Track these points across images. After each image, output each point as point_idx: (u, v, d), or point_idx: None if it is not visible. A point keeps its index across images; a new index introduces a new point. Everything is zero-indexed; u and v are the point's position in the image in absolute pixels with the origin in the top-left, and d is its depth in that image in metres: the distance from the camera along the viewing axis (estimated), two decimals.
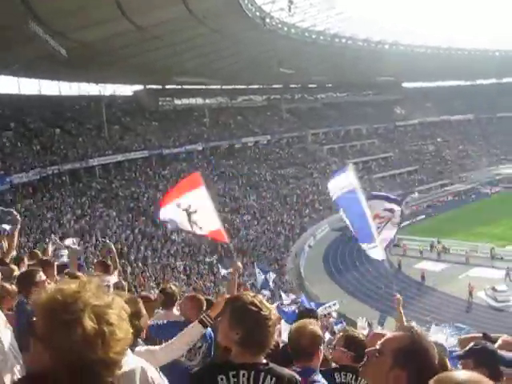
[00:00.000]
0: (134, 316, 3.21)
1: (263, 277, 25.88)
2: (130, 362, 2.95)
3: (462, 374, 1.74)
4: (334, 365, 4.07)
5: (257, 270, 26.98)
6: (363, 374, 2.30)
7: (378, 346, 2.18)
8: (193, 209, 7.25)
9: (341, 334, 4.34)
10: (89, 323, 1.54)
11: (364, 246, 8.40)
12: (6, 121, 46.88)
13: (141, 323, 3.33)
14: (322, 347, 3.35)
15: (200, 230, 7.39)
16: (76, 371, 1.53)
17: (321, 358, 3.36)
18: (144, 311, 3.63)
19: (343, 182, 8.39)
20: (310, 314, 5.25)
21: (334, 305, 24.76)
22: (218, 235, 7.41)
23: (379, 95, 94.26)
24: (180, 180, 8.29)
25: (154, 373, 3.05)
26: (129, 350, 3.06)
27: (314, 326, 3.44)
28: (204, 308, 5.41)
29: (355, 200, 8.04)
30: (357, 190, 8.05)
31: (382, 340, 2.21)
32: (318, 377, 3.22)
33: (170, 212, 7.50)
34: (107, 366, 1.59)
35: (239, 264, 6.87)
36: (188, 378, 2.74)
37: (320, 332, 3.39)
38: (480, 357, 3.03)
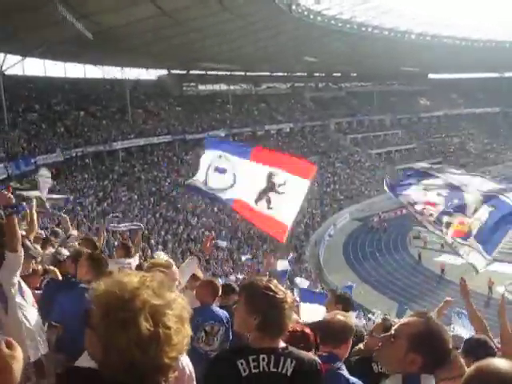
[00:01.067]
0: None
1: (288, 267, 25.83)
2: None
3: (503, 362, 1.70)
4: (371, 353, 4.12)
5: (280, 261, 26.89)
6: (379, 358, 2.43)
7: (393, 331, 2.25)
8: (281, 189, 6.62)
9: (379, 321, 4.44)
10: (144, 324, 1.49)
11: (476, 244, 7.36)
12: (31, 103, 47.27)
13: None
14: (351, 338, 3.42)
15: (266, 210, 6.68)
16: (127, 371, 1.50)
17: (348, 349, 3.43)
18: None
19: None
20: (346, 300, 5.24)
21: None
22: (278, 229, 6.81)
23: (404, 85, 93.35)
24: (291, 158, 7.25)
25: (185, 359, 3.13)
26: None
27: (347, 317, 3.54)
28: (220, 293, 5.47)
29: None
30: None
31: (397, 325, 2.29)
32: (343, 366, 3.28)
33: (250, 169, 6.77)
34: (160, 371, 1.56)
35: (272, 260, 6.75)
36: (207, 363, 2.78)
37: (353, 324, 3.46)
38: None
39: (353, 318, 4.95)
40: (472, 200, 7.01)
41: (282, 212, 6.65)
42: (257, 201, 6.56)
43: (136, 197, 43.54)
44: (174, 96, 64.47)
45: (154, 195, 45.01)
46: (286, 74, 78.45)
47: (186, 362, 3.11)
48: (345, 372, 3.23)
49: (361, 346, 4.34)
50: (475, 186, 7.18)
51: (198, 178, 7.29)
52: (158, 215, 41.79)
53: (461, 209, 7.04)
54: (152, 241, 36.23)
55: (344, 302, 5.12)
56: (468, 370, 1.74)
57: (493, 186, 7.19)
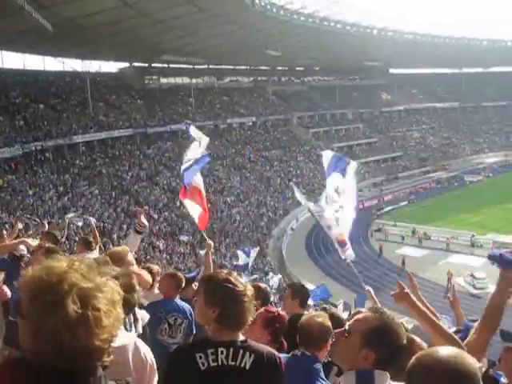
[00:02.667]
0: (128, 290, 3.18)
1: (248, 260, 25.97)
2: (123, 337, 2.96)
3: (444, 349, 1.75)
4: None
5: (239, 253, 27.00)
6: (333, 354, 2.40)
7: (346, 327, 2.24)
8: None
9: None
10: (72, 307, 1.47)
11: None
12: None
13: (134, 298, 3.29)
14: (330, 340, 3.36)
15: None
16: (57, 356, 1.48)
17: (327, 351, 3.39)
18: (138, 286, 3.56)
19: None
20: (304, 294, 5.31)
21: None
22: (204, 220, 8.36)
23: (366, 80, 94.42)
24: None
25: (146, 349, 3.07)
26: (121, 327, 3.07)
27: (324, 318, 3.52)
28: (183, 285, 5.44)
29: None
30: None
31: (351, 321, 2.27)
32: (321, 368, 3.29)
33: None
34: (91, 354, 1.53)
35: (210, 242, 7.01)
36: (166, 356, 2.74)
37: (329, 324, 3.44)
38: None
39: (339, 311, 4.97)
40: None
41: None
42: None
43: (97, 191, 43.03)
44: (136, 89, 63.91)
45: (115, 189, 44.56)
46: (248, 67, 78.53)
47: (147, 353, 3.06)
48: (321, 374, 3.26)
49: None
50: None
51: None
52: (119, 209, 41.40)
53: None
54: (114, 235, 35.89)
55: (301, 296, 5.12)
56: (410, 361, 1.76)
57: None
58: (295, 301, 4.95)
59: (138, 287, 3.48)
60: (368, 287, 6.89)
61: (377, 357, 2.12)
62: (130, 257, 4.64)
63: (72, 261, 1.60)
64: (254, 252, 27.61)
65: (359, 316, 2.27)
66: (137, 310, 3.70)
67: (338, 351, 2.28)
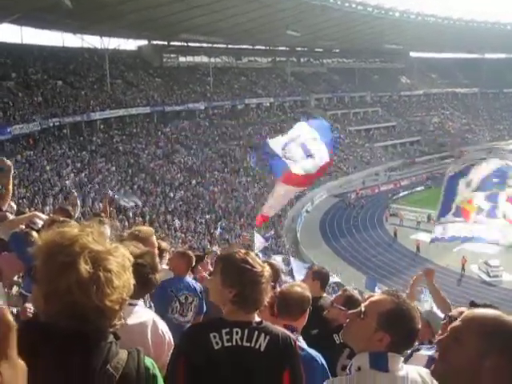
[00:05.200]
0: (151, 269, 3.20)
1: (263, 244, 25.95)
2: (143, 314, 2.99)
3: (487, 310, 1.69)
4: (332, 325, 4.10)
5: (257, 237, 26.92)
6: (346, 336, 2.31)
7: (362, 308, 2.21)
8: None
9: (340, 292, 4.42)
10: (83, 267, 1.51)
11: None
12: (7, 70, 46.41)
13: (156, 278, 3.31)
14: (307, 311, 3.38)
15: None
16: (70, 317, 1.51)
17: (305, 320, 3.39)
18: (159, 266, 3.56)
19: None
20: (324, 276, 5.31)
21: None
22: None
23: (386, 63, 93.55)
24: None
25: (164, 325, 3.10)
26: (141, 302, 3.10)
27: (305, 288, 3.49)
28: (193, 264, 5.47)
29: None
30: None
31: (366, 302, 2.24)
32: (300, 337, 3.25)
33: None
34: (103, 314, 1.56)
35: (246, 236, 7.03)
36: (180, 334, 2.75)
37: (309, 295, 3.42)
38: None
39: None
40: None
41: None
42: None
43: (114, 168, 43.22)
44: (154, 67, 63.85)
45: (132, 167, 44.72)
46: (267, 47, 77.95)
47: (165, 328, 3.09)
48: (303, 344, 3.20)
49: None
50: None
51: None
52: (135, 187, 41.58)
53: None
54: (130, 212, 36.10)
55: (321, 278, 5.13)
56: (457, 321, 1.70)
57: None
58: (315, 282, 4.97)
59: (159, 267, 3.50)
60: (429, 267, 6.72)
61: (391, 339, 2.13)
62: (154, 239, 4.64)
63: (84, 226, 1.65)
64: (269, 235, 27.67)
65: (375, 298, 2.26)
66: None
67: (351, 332, 2.25)
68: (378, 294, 2.35)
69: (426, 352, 3.55)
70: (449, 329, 1.69)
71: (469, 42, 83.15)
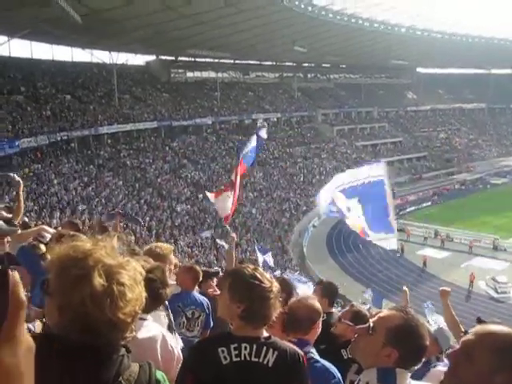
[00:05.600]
0: (161, 284, 3.23)
1: (262, 258, 25.94)
2: (152, 328, 3.01)
3: (500, 327, 1.70)
4: (339, 340, 4.10)
5: (257, 248, 27.02)
6: (354, 351, 2.31)
7: (371, 324, 2.21)
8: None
9: (347, 308, 4.43)
10: (98, 280, 1.53)
11: (376, 235, 8.51)
12: (16, 84, 46.74)
13: (166, 292, 3.33)
14: (319, 322, 3.35)
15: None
16: (83, 330, 1.53)
17: (317, 332, 3.36)
18: (169, 281, 3.58)
19: (367, 173, 8.55)
20: (333, 292, 5.34)
21: None
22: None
23: (392, 79, 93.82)
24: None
25: (173, 340, 3.11)
26: (150, 317, 3.12)
27: (313, 300, 3.46)
28: (200, 279, 5.47)
29: (380, 191, 8.21)
30: (385, 182, 8.25)
31: (375, 318, 2.24)
32: (312, 349, 3.22)
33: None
34: (115, 327, 1.58)
35: (233, 235, 6.98)
36: (188, 349, 2.76)
37: (319, 307, 3.40)
38: None
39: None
40: (340, 203, 8.30)
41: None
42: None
43: (121, 182, 43.37)
44: (162, 82, 64.18)
45: (139, 181, 44.86)
46: (274, 63, 78.31)
47: (174, 343, 3.09)
48: (316, 356, 3.18)
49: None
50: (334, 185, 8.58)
51: None
52: (142, 201, 41.68)
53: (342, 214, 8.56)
54: (136, 227, 36.14)
55: (330, 293, 5.14)
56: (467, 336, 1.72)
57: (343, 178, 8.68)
58: (324, 299, 4.95)
59: (169, 282, 3.51)
60: (405, 288, 6.91)
61: (400, 355, 2.12)
62: (172, 256, 4.65)
63: (96, 240, 1.67)
64: (268, 256, 27.52)
65: (383, 314, 2.26)
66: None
67: (360, 347, 2.24)
68: (386, 310, 2.35)
69: (443, 368, 3.55)
70: (460, 342, 1.71)
71: (476, 57, 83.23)
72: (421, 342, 2.17)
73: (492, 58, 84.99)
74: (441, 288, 5.84)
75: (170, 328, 3.71)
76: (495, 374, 1.56)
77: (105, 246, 1.64)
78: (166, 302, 3.82)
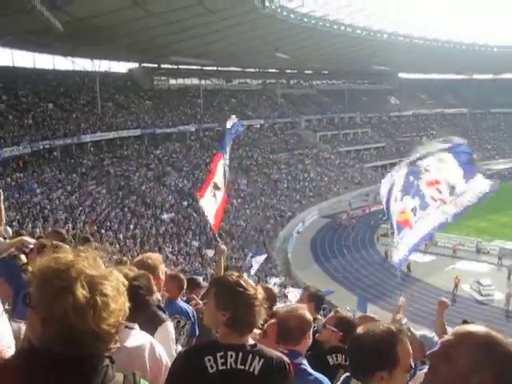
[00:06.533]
0: (147, 291, 3.21)
1: (255, 263, 25.83)
2: (140, 337, 2.99)
3: (478, 327, 1.64)
4: (325, 346, 4.08)
5: (250, 255, 26.90)
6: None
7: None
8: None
9: (331, 313, 4.42)
10: (80, 291, 1.51)
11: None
12: None
13: (153, 299, 3.31)
14: (310, 332, 3.32)
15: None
16: (67, 342, 1.51)
17: (309, 343, 3.33)
18: (155, 288, 3.56)
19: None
20: (319, 298, 5.31)
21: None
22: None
23: (375, 84, 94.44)
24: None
25: (161, 349, 3.09)
26: (137, 326, 3.09)
27: (304, 310, 3.42)
28: (185, 287, 5.44)
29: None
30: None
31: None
32: (304, 360, 3.19)
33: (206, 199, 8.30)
34: (99, 339, 1.56)
35: (223, 247, 6.96)
36: (174, 358, 2.74)
37: (310, 317, 3.36)
38: None
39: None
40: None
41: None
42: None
43: (104, 191, 43.13)
44: (145, 89, 64.04)
45: (122, 189, 44.64)
46: (257, 70, 78.52)
47: (162, 353, 3.07)
48: (308, 367, 3.16)
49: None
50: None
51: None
52: (126, 209, 41.47)
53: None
54: (120, 235, 35.97)
55: (316, 300, 5.12)
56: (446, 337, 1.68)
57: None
58: (311, 304, 4.93)
59: (155, 289, 3.49)
60: (402, 299, 6.82)
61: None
62: (163, 266, 4.60)
63: (78, 251, 1.66)
64: (260, 258, 27.50)
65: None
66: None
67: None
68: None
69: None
70: (440, 342, 1.67)
71: (457, 63, 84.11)
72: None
73: (473, 64, 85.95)
74: (440, 298, 5.90)
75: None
76: (472, 375, 1.54)
77: (87, 257, 1.63)
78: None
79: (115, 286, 1.62)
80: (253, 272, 24.90)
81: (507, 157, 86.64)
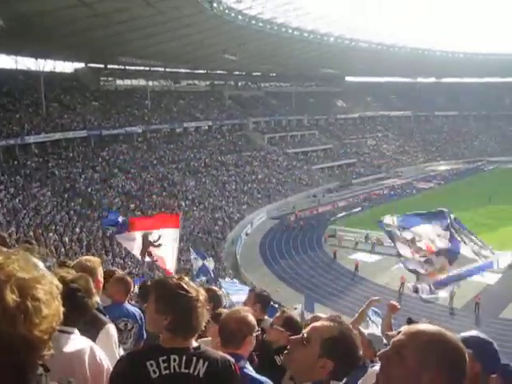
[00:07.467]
0: (86, 293, 3.12)
1: (201, 263, 25.51)
2: (79, 341, 2.90)
3: (428, 326, 1.68)
4: (272, 347, 4.07)
5: (192, 256, 26.54)
6: (287, 362, 2.24)
7: (305, 334, 2.15)
8: (158, 243, 8.54)
9: (278, 314, 4.41)
10: (10, 296, 1.42)
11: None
12: None
13: (92, 302, 3.22)
14: (252, 336, 3.24)
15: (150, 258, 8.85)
16: None
17: (252, 346, 3.27)
18: (94, 290, 3.47)
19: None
20: (265, 298, 5.29)
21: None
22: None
23: (322, 87, 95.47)
24: (157, 214, 10.67)
25: (102, 353, 3.00)
26: (76, 331, 3.01)
27: (246, 312, 3.36)
28: (132, 290, 5.36)
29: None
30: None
31: (309, 328, 2.18)
32: (247, 365, 3.14)
33: (132, 237, 8.65)
34: (30, 345, 1.47)
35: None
36: (115, 362, 2.68)
37: (252, 320, 3.29)
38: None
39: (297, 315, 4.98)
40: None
41: (164, 261, 8.99)
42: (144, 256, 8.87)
43: (49, 193, 42.24)
44: (91, 90, 63.06)
45: (68, 191, 43.82)
46: (205, 71, 78.39)
47: (103, 356, 2.99)
48: (251, 371, 3.11)
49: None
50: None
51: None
52: (72, 212, 40.72)
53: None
54: (66, 238, 35.29)
55: (262, 300, 5.11)
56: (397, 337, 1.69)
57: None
58: (257, 305, 4.92)
59: (94, 291, 3.41)
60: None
61: (335, 366, 2.07)
62: (101, 269, 4.51)
63: (9, 253, 1.56)
64: (209, 261, 27.18)
65: (318, 324, 2.19)
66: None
67: (294, 359, 2.16)
68: (321, 320, 2.28)
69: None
70: (391, 342, 1.68)
71: (402, 66, 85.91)
72: (355, 352, 2.14)
73: (417, 68, 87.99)
74: (392, 302, 6.01)
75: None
76: (422, 373, 1.57)
77: (18, 259, 1.53)
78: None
79: (48, 290, 1.53)
80: (202, 275, 24.67)
81: (448, 159, 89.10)
